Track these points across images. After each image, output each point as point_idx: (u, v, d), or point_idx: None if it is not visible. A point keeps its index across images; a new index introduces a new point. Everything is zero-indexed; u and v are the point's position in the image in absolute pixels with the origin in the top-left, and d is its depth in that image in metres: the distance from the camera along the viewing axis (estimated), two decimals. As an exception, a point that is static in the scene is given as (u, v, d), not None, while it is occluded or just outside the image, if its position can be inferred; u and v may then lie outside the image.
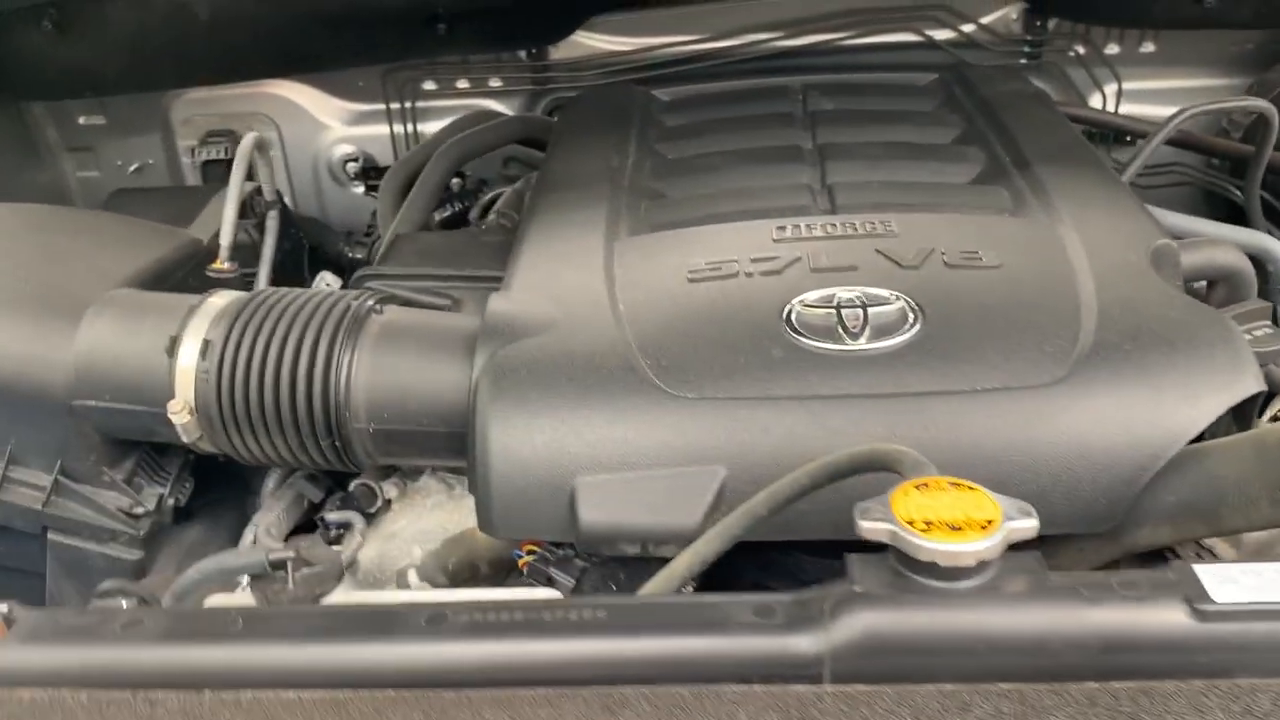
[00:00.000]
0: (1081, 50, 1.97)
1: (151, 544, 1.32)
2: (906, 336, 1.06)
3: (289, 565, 0.94)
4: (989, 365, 1.02)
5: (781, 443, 1.00)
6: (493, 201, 1.79)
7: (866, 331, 1.06)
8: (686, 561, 0.89)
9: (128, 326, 1.23)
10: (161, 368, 1.20)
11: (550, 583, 1.09)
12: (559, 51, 2.06)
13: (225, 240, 1.39)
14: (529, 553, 1.12)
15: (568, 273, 1.23)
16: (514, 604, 0.78)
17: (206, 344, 1.18)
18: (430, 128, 2.09)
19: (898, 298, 1.09)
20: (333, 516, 1.27)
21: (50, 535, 1.30)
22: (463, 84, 2.09)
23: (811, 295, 1.11)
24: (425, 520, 1.26)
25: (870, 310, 1.08)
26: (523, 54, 2.05)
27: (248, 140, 1.45)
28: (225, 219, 1.40)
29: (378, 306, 1.19)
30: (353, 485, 1.30)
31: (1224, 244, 1.28)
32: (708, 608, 0.76)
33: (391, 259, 1.42)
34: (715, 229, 1.27)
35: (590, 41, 2.03)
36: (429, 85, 2.09)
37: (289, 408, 1.16)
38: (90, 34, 1.92)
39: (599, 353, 1.08)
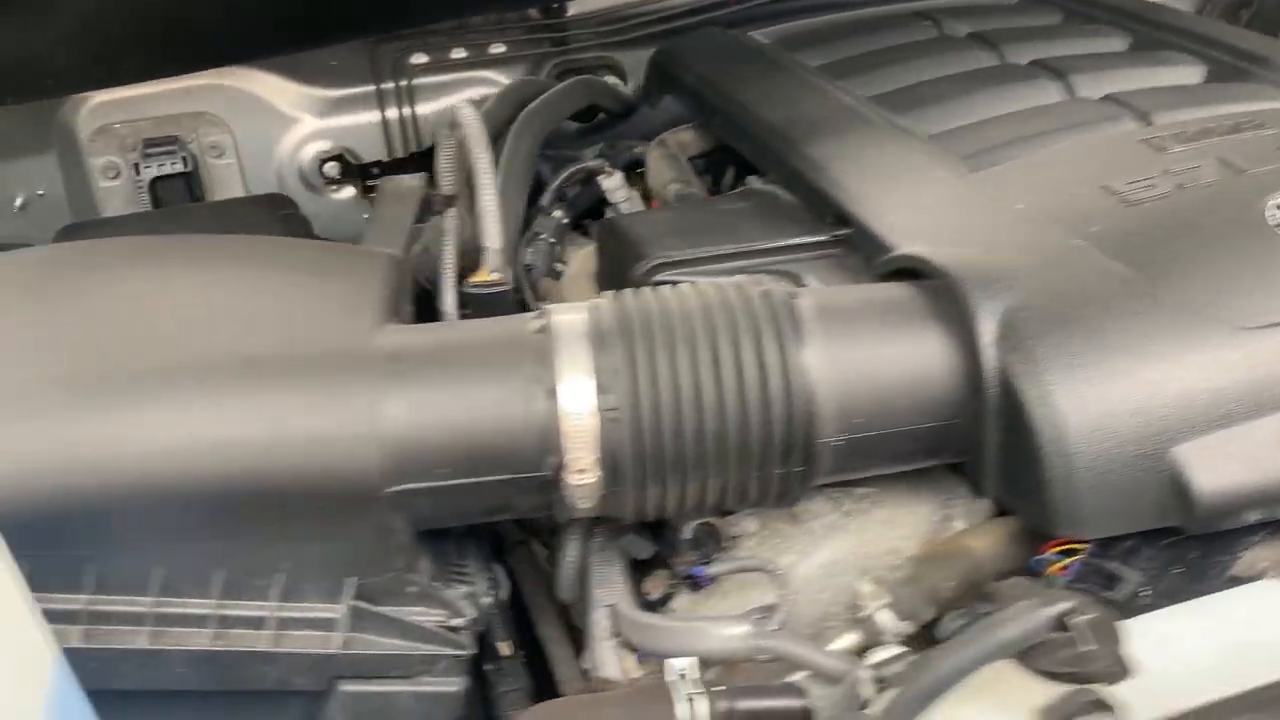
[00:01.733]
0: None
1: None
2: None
3: (1073, 619, 0.68)
4: None
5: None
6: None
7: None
8: None
9: (450, 374, 0.88)
10: (529, 420, 0.87)
11: (1111, 581, 0.90)
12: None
13: (493, 243, 1.03)
14: (1063, 551, 0.92)
15: (960, 215, 1.03)
16: None
17: (606, 376, 0.87)
18: (427, 109, 1.74)
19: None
20: (717, 569, 1.00)
21: (342, 686, 0.92)
22: (459, 53, 1.75)
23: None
24: (828, 550, 1.02)
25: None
26: (532, 12, 1.76)
27: (467, 112, 1.08)
28: (486, 212, 1.03)
29: (791, 291, 0.93)
30: (688, 529, 1.03)
31: None
32: None
33: (641, 246, 1.13)
34: (1068, 151, 1.12)
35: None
36: (419, 59, 1.74)
37: (737, 436, 0.88)
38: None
39: (1115, 295, 0.91)
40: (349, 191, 1.75)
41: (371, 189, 1.71)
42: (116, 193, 1.66)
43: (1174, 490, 0.85)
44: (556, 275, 1.44)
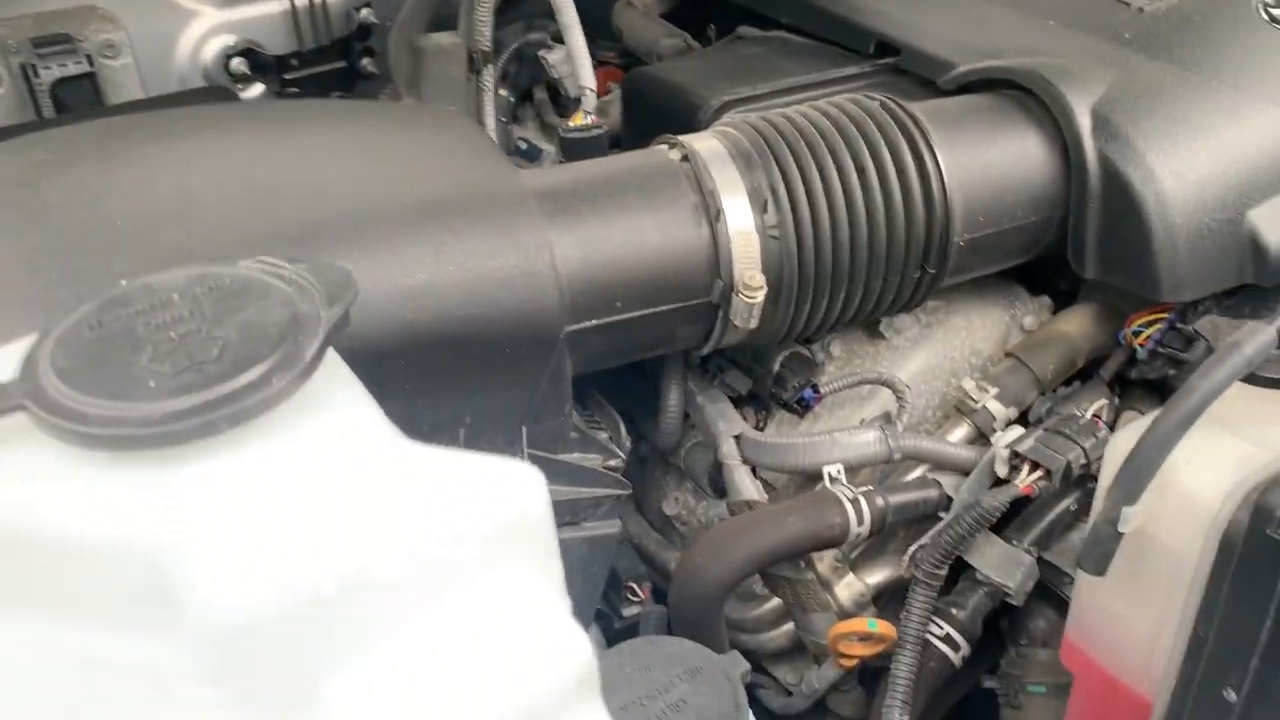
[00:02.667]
0: None
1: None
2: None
3: None
4: None
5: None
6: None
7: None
8: None
9: (614, 206, 0.87)
10: (701, 244, 0.87)
11: (1188, 344, 1.01)
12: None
13: (589, 81, 0.99)
14: (1150, 322, 1.03)
15: (1003, 33, 1.10)
16: None
17: (759, 196, 0.88)
18: (336, -5, 1.63)
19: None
20: (831, 387, 1.04)
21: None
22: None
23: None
24: (918, 359, 1.09)
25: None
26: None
27: None
28: (578, 53, 0.98)
29: (898, 102, 0.97)
30: (781, 358, 1.07)
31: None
32: None
33: (695, 90, 1.12)
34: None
35: None
36: (320, -62, 1.62)
37: (885, 242, 0.92)
38: None
39: (1176, 86, 1.00)
40: (258, 89, 1.62)
41: (290, 85, 1.59)
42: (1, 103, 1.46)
43: (1252, 248, 0.97)
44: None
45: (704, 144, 0.91)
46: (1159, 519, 0.74)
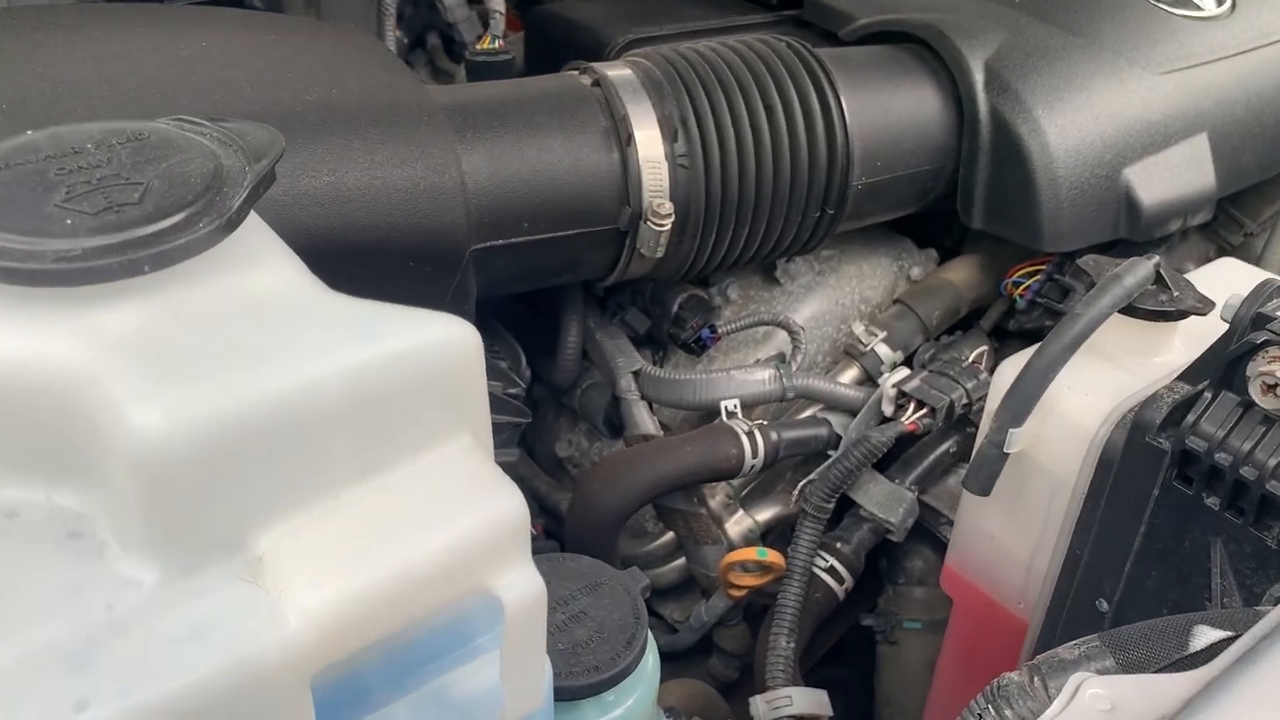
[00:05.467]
0: None
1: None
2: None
3: (1163, 269, 0.80)
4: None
5: (1235, 99, 1.10)
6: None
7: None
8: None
9: (524, 127, 0.86)
10: (611, 169, 0.87)
11: (1064, 294, 1.06)
12: None
13: (499, 4, 0.97)
14: (1028, 273, 1.07)
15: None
16: None
17: (675, 123, 0.88)
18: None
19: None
20: (729, 328, 1.06)
21: (417, 462, 0.88)
22: None
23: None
24: (812, 305, 1.11)
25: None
26: None
27: None
28: None
29: (806, 46, 0.99)
30: (679, 300, 1.08)
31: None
32: None
33: (600, 28, 1.12)
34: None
35: None
36: None
37: (788, 178, 0.94)
38: None
39: (1063, 48, 1.05)
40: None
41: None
42: None
43: (1127, 204, 1.03)
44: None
45: (616, 71, 0.92)
46: (1040, 443, 0.78)
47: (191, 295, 0.43)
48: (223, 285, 0.44)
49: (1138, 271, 0.77)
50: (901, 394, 1.00)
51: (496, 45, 1.00)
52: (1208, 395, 0.64)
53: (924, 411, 0.99)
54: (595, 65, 0.93)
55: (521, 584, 0.44)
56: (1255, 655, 0.44)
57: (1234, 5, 1.21)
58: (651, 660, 0.78)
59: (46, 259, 0.41)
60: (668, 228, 0.89)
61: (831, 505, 1.00)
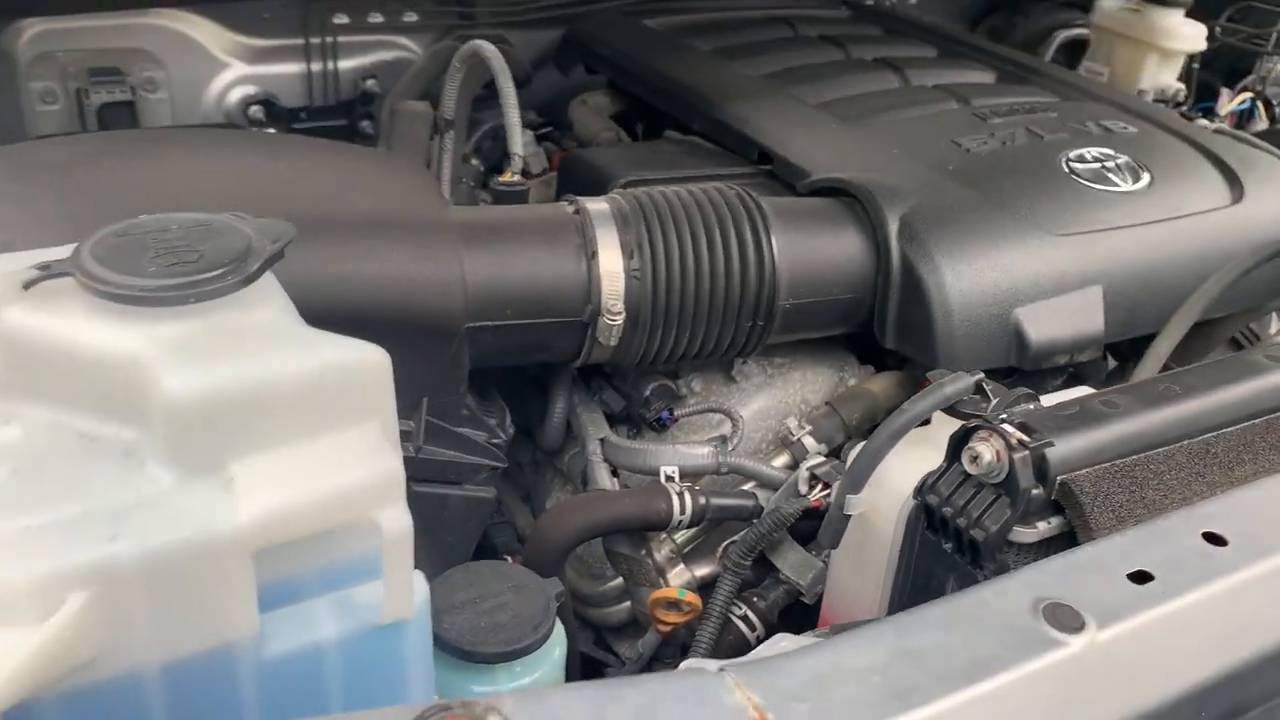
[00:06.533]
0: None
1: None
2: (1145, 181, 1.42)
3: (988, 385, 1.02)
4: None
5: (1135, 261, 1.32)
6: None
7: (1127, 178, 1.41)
8: (1166, 343, 1.19)
9: (515, 240, 1.14)
10: (578, 276, 1.15)
11: (966, 408, 1.28)
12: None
13: (519, 149, 1.28)
14: (936, 389, 1.29)
15: (854, 154, 1.39)
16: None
17: (629, 247, 1.15)
18: (347, 65, 1.94)
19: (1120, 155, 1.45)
20: (683, 412, 1.30)
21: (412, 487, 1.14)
22: (376, 18, 1.96)
23: (1073, 153, 1.42)
24: (760, 401, 1.35)
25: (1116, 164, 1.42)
26: (443, -13, 1.99)
27: (491, 49, 1.32)
28: (512, 127, 1.28)
29: (751, 195, 1.25)
30: (650, 387, 1.33)
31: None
32: None
33: (611, 170, 1.41)
34: (920, 117, 1.52)
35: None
36: (340, 19, 1.93)
37: (723, 295, 1.19)
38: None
39: (974, 209, 1.29)
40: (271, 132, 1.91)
41: (295, 133, 1.88)
42: (52, 118, 1.75)
43: (1016, 338, 1.24)
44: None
45: (594, 204, 1.20)
46: (874, 507, 1.00)
47: (216, 319, 0.70)
48: (235, 315, 0.71)
49: (958, 383, 0.99)
50: (814, 476, 1.23)
51: (515, 178, 1.30)
52: (943, 465, 0.85)
53: (828, 492, 1.20)
54: (580, 199, 1.21)
55: (395, 519, 0.70)
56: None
57: (1152, 183, 1.42)
58: (558, 650, 1.01)
59: (134, 289, 0.69)
60: (619, 323, 1.15)
61: (748, 563, 1.21)
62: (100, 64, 1.75)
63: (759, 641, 1.24)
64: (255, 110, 1.89)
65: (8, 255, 0.76)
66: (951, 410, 1.00)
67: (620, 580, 1.30)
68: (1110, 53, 2.34)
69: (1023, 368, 1.26)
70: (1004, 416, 0.84)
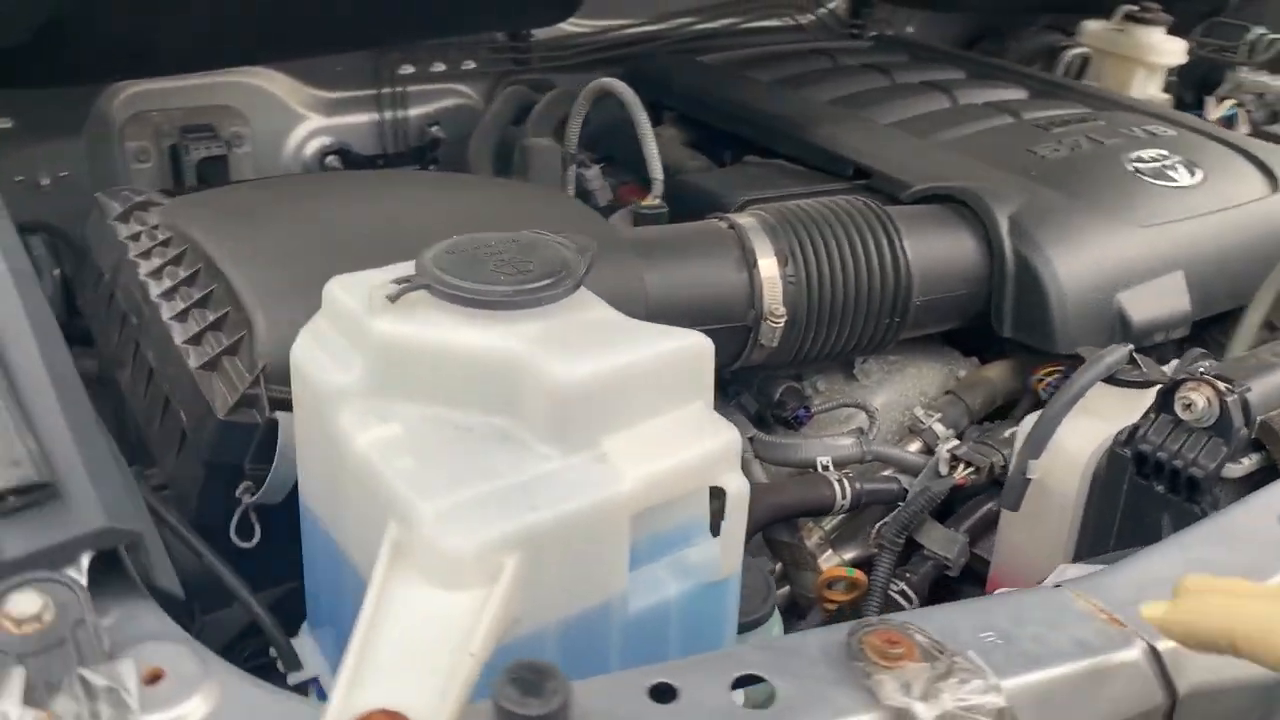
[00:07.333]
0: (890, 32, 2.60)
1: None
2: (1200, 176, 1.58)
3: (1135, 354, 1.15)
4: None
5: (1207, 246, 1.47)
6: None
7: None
8: (1256, 314, 1.34)
9: (686, 255, 1.24)
10: (742, 284, 1.25)
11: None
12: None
13: (659, 174, 1.38)
14: (1049, 373, 1.42)
15: (944, 164, 1.53)
16: None
17: (782, 255, 1.27)
18: (415, 113, 2.03)
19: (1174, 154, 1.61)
20: (820, 408, 1.41)
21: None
22: (438, 66, 2.06)
23: (1132, 154, 1.57)
24: (884, 395, 1.46)
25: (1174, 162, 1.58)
26: (499, 35, 2.10)
27: (621, 85, 1.42)
28: (651, 156, 1.39)
29: (876, 204, 1.38)
30: (780, 389, 1.44)
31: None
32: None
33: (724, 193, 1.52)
34: (989, 130, 1.67)
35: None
36: (406, 69, 2.02)
37: (866, 295, 1.31)
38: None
39: (1065, 207, 1.43)
40: (348, 181, 1.99)
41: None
42: (145, 174, 1.81)
43: (1119, 320, 1.38)
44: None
45: (745, 219, 1.31)
46: (1050, 473, 1.11)
47: (566, 317, 0.80)
48: (578, 314, 0.81)
49: (1116, 354, 1.12)
50: (954, 457, 1.34)
51: (657, 201, 1.40)
52: (1152, 417, 0.97)
53: (971, 470, 1.32)
54: (729, 215, 1.32)
55: (736, 482, 0.79)
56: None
57: (1205, 178, 1.58)
58: (777, 628, 1.10)
59: (497, 295, 0.78)
60: (781, 325, 1.26)
61: (901, 541, 1.32)
62: (193, 122, 1.82)
63: (915, 613, 1.34)
64: (331, 160, 1.97)
65: (342, 278, 0.85)
66: (1111, 380, 1.13)
67: (777, 566, 1.40)
68: (1100, 69, 2.53)
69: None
70: (1202, 369, 0.96)
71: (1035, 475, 1.11)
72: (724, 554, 0.82)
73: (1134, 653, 0.68)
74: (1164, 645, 0.69)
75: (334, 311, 0.82)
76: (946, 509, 1.34)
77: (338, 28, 1.85)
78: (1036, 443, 1.11)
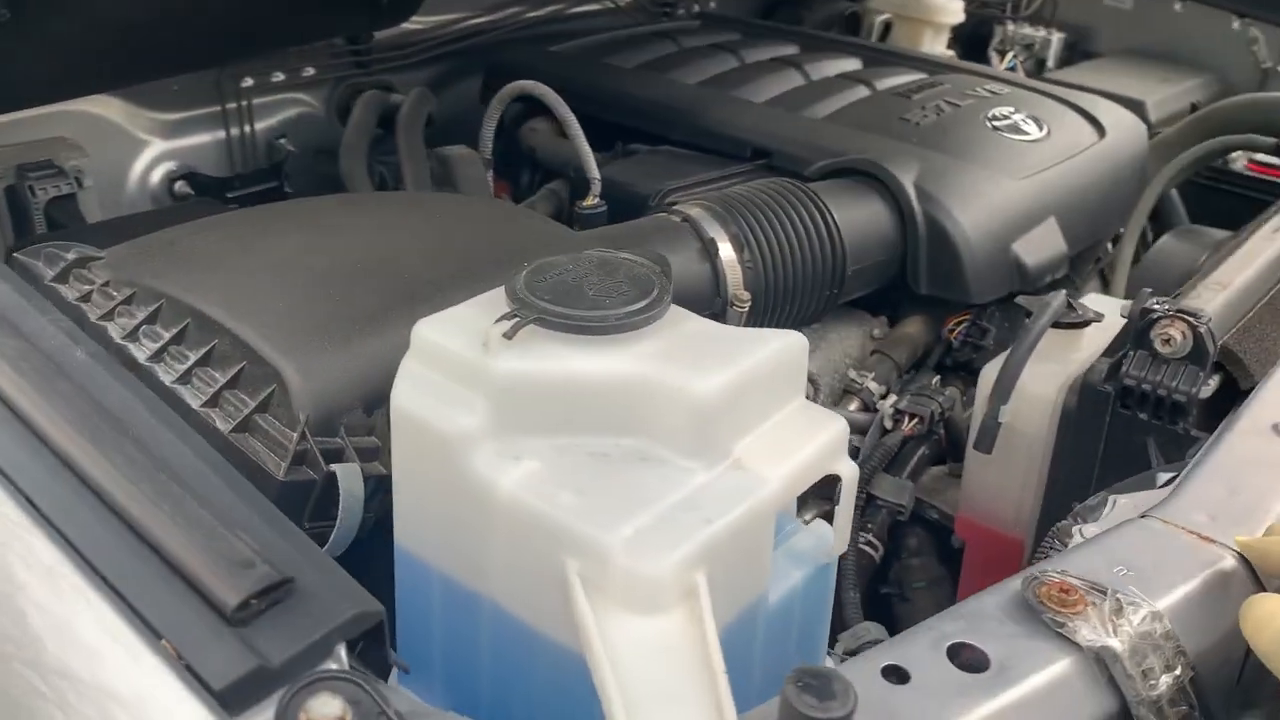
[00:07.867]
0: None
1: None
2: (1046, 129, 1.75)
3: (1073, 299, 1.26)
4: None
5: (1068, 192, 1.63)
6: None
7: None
8: (1128, 248, 1.51)
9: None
10: (705, 274, 1.29)
11: (983, 334, 1.54)
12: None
13: (596, 174, 1.37)
14: (958, 323, 1.55)
15: (837, 137, 1.62)
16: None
17: (742, 241, 1.31)
18: (260, 126, 1.92)
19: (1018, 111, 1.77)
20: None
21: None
22: (278, 76, 1.95)
23: (986, 113, 1.72)
24: (814, 362, 1.54)
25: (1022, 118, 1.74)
26: (339, 40, 2.01)
27: (544, 87, 1.39)
28: (586, 155, 1.37)
29: (800, 184, 1.44)
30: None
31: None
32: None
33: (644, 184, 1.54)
34: (859, 102, 1.77)
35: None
36: (247, 82, 1.91)
37: (812, 271, 1.37)
38: None
39: (953, 167, 1.55)
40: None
41: (231, 201, 1.85)
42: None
43: (1017, 268, 1.52)
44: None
45: (694, 210, 1.35)
46: (1016, 415, 1.23)
47: (673, 333, 0.81)
48: (681, 328, 0.82)
49: (1059, 299, 1.24)
50: (898, 411, 1.44)
51: (595, 202, 1.42)
52: (1131, 354, 1.10)
53: (915, 420, 1.42)
54: (677, 207, 1.35)
55: (847, 468, 0.84)
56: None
57: (1049, 130, 1.75)
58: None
59: (611, 320, 0.79)
60: (746, 309, 1.31)
61: (863, 496, 1.41)
62: (29, 159, 1.65)
63: (882, 561, 1.44)
64: (180, 186, 1.84)
65: (428, 320, 0.82)
66: (1056, 324, 1.25)
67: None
68: (896, 32, 2.73)
69: (1025, 290, 1.54)
70: (1166, 306, 1.09)
71: (1006, 419, 1.22)
72: (838, 536, 0.86)
73: (1232, 561, 0.78)
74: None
75: (431, 355, 0.80)
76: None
77: (177, 50, 1.73)
78: (1005, 388, 1.21)
